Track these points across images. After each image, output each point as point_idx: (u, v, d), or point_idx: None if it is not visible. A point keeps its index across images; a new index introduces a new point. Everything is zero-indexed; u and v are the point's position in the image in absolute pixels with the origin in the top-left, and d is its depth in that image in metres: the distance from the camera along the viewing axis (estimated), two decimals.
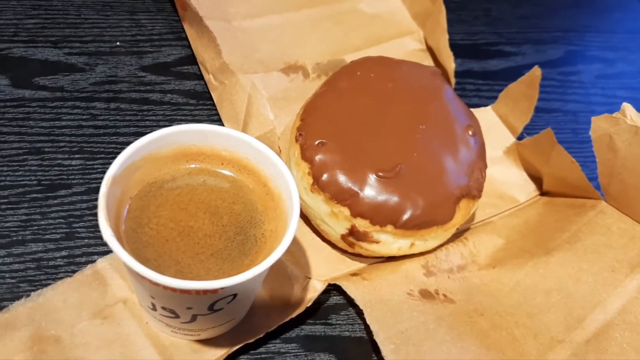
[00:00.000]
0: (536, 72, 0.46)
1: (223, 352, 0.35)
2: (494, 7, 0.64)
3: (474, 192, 0.41)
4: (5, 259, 0.37)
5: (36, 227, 0.38)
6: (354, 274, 0.40)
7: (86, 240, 0.39)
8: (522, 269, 0.41)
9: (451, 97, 0.44)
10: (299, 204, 0.32)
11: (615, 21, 0.68)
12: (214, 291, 0.29)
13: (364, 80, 0.43)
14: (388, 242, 0.39)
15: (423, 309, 0.38)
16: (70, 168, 0.42)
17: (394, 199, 0.38)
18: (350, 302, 0.40)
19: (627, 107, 0.38)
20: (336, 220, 0.39)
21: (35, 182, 0.40)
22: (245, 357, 0.36)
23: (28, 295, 0.35)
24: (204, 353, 0.35)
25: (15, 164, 0.41)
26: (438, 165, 0.40)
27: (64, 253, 0.38)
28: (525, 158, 0.47)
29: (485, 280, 0.41)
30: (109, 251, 0.38)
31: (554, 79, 0.59)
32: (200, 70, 0.49)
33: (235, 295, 0.31)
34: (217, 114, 0.46)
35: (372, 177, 0.38)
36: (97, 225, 0.39)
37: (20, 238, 0.38)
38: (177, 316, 0.32)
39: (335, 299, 0.40)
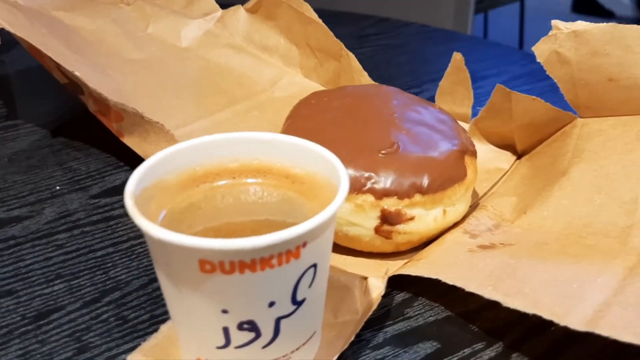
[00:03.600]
0: (457, 56, 0.49)
1: None
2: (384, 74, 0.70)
3: (471, 147, 0.41)
4: None
5: (39, 356, 0.31)
6: (406, 263, 0.36)
7: (104, 346, 0.32)
8: (552, 197, 0.40)
9: (402, 93, 0.45)
10: (335, 157, 0.29)
11: (485, 52, 0.78)
12: (296, 252, 0.25)
13: (322, 103, 0.43)
14: (422, 215, 0.37)
15: (492, 254, 0.35)
16: (54, 293, 0.35)
17: (409, 168, 0.37)
18: (417, 293, 0.36)
19: (556, 22, 0.42)
20: (363, 214, 0.36)
21: (18, 318, 0.34)
22: None
23: None
24: None
25: None
26: (429, 134, 0.40)
27: None
28: (489, 129, 0.48)
29: (525, 225, 0.39)
30: (136, 346, 0.31)
31: None
32: None
33: (315, 269, 0.27)
34: None
35: (378, 158, 0.37)
36: (112, 329, 0.33)
37: None
38: (258, 334, 0.26)
39: (399, 297, 0.36)
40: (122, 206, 0.44)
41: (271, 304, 0.26)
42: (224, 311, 0.26)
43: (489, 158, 0.48)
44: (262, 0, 0.62)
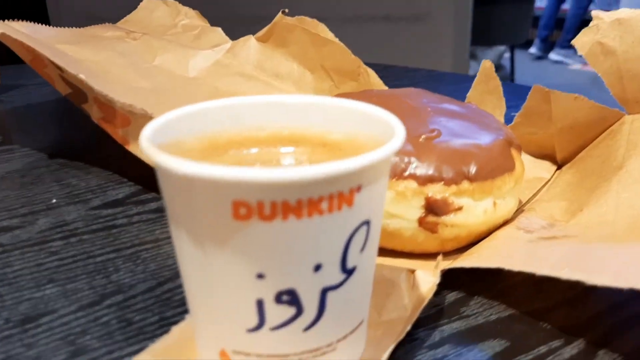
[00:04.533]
0: (486, 64, 0.47)
1: None
2: None
3: (515, 141, 0.37)
4: None
5: None
6: (456, 258, 0.32)
7: (104, 349, 0.26)
8: (610, 192, 0.35)
9: (432, 93, 0.42)
10: (382, 109, 0.25)
11: None
12: (350, 197, 0.20)
13: None
14: (470, 206, 0.32)
15: (557, 242, 0.30)
16: (46, 297, 0.30)
17: (454, 153, 0.33)
18: (472, 292, 0.30)
19: (596, 13, 0.39)
20: (405, 202, 0.32)
21: (1, 322, 0.28)
22: None
23: None
24: None
25: None
26: (470, 126, 0.36)
27: None
28: (526, 137, 0.45)
29: (582, 222, 0.35)
30: (142, 348, 0.26)
31: None
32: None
33: (368, 228, 0.22)
34: None
35: (418, 142, 0.33)
36: (113, 332, 0.27)
37: None
38: (299, 309, 0.21)
39: (451, 297, 0.30)
40: (126, 216, 0.39)
41: (317, 268, 0.21)
42: (260, 275, 0.21)
43: (528, 168, 0.44)
44: (273, 28, 0.60)
